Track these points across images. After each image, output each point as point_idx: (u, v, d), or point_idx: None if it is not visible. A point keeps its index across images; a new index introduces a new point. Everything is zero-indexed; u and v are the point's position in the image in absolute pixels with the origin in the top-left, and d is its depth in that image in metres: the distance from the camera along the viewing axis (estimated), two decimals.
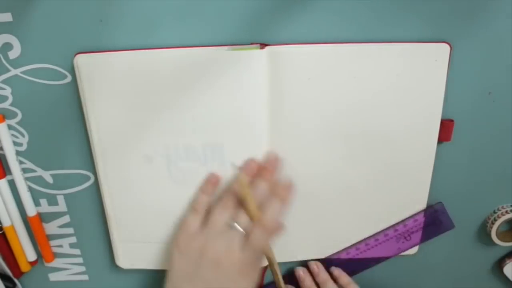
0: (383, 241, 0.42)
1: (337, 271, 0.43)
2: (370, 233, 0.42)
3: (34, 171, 0.41)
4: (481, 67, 0.37)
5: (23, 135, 0.39)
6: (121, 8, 0.34)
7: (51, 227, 0.43)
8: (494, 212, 0.42)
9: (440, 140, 0.38)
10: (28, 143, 0.40)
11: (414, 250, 0.43)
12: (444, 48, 0.35)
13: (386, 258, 0.43)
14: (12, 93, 0.37)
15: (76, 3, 0.34)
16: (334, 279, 0.43)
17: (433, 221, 0.42)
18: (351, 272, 0.44)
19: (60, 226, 0.43)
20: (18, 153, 0.40)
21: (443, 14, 0.35)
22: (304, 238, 0.42)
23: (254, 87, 0.36)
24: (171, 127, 0.37)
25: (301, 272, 0.43)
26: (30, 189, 0.41)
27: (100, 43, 0.35)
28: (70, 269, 0.46)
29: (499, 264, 0.45)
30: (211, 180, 0.38)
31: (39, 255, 0.45)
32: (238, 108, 0.36)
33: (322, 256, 0.43)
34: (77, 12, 0.34)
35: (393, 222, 0.42)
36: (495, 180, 0.41)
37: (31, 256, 0.44)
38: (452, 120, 0.38)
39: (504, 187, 0.42)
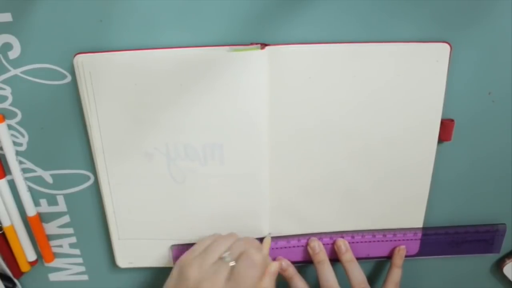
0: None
1: (342, 244, 0.42)
2: (369, 231, 0.42)
3: (34, 171, 0.41)
4: (481, 67, 0.37)
5: (23, 135, 0.39)
6: (121, 8, 0.34)
7: (51, 227, 0.43)
8: None
9: (441, 140, 0.39)
10: (28, 143, 0.40)
11: (414, 249, 0.43)
12: (445, 48, 0.35)
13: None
14: (12, 93, 0.37)
15: (76, 3, 0.34)
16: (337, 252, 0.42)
17: (486, 239, 0.43)
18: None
19: (60, 226, 0.43)
20: (18, 153, 0.40)
21: (443, 14, 0.35)
22: (304, 237, 0.42)
23: (255, 87, 0.36)
24: (171, 127, 0.37)
25: (283, 263, 0.43)
26: (30, 189, 0.41)
27: (100, 43, 0.35)
28: (70, 269, 0.46)
29: (499, 264, 0.45)
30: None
31: (39, 255, 0.45)
32: (238, 108, 0.36)
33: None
34: (77, 12, 0.34)
35: (392, 221, 0.42)
36: (495, 179, 0.41)
37: (31, 256, 0.44)
38: (452, 120, 0.38)
39: (504, 186, 0.42)
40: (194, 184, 0.39)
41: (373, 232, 0.43)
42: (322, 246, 0.42)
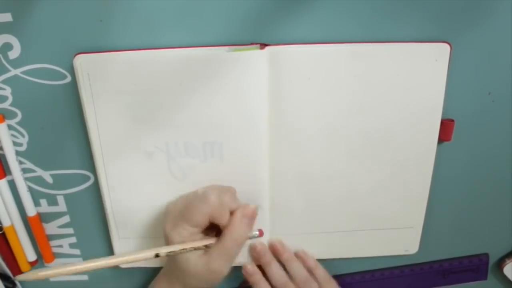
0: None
1: (302, 254, 0.41)
2: (369, 232, 0.42)
3: (34, 171, 0.41)
4: (481, 67, 0.37)
5: (23, 135, 0.39)
6: (121, 8, 0.34)
7: (51, 227, 0.43)
8: None
9: (441, 140, 0.39)
10: (28, 143, 0.40)
11: (414, 249, 0.43)
12: (444, 48, 0.35)
13: None
14: (12, 93, 0.37)
15: (76, 3, 0.34)
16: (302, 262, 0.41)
17: (473, 269, 0.45)
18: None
19: (60, 226, 0.43)
20: (18, 153, 0.40)
21: (443, 14, 0.35)
22: (304, 237, 0.42)
23: (254, 87, 0.36)
24: (171, 126, 0.37)
25: (249, 266, 0.41)
26: (30, 189, 0.41)
27: (100, 43, 0.35)
28: None
29: (499, 264, 0.46)
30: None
31: (39, 255, 0.45)
32: (238, 108, 0.36)
33: (325, 257, 0.43)
34: (77, 12, 0.34)
35: (393, 222, 0.42)
36: (495, 179, 0.42)
37: (31, 256, 0.44)
38: (452, 120, 0.38)
39: (503, 186, 0.42)
40: (194, 181, 0.39)
41: (362, 273, 0.44)
42: (266, 248, 0.41)
